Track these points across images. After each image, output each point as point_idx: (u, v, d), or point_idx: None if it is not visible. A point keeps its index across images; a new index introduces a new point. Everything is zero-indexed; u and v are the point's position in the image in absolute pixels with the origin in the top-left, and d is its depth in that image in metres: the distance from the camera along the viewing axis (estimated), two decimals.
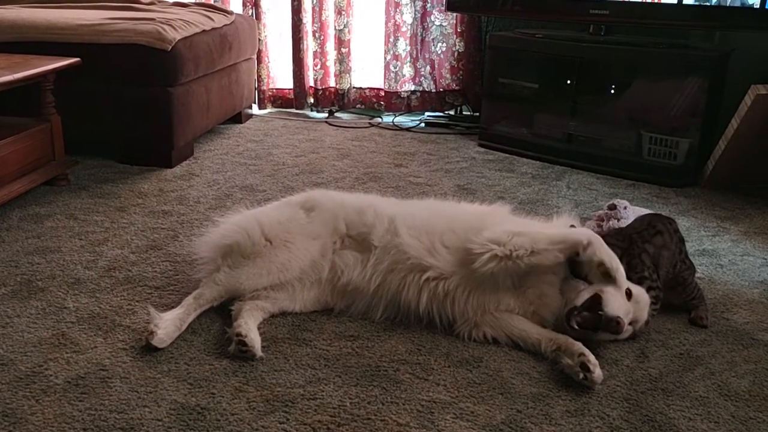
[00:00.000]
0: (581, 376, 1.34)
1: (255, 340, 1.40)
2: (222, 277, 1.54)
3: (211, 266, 1.59)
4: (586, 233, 1.46)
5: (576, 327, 1.39)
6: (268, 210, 1.71)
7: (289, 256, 1.55)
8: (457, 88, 3.53)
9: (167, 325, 1.43)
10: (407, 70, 3.54)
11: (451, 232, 1.56)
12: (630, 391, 1.34)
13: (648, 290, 1.49)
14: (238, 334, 1.40)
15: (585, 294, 1.42)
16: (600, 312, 1.39)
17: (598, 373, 1.34)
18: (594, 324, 1.39)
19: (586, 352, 1.37)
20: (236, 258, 1.55)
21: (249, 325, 1.43)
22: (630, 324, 1.45)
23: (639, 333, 1.50)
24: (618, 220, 1.99)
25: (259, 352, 1.39)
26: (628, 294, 1.43)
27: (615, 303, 1.39)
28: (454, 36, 3.45)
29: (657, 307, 1.53)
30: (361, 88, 3.66)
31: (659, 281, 1.55)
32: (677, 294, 1.63)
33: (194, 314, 1.50)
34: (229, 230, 1.61)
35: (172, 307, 1.57)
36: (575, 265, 1.48)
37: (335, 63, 3.57)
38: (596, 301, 1.40)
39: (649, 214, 1.77)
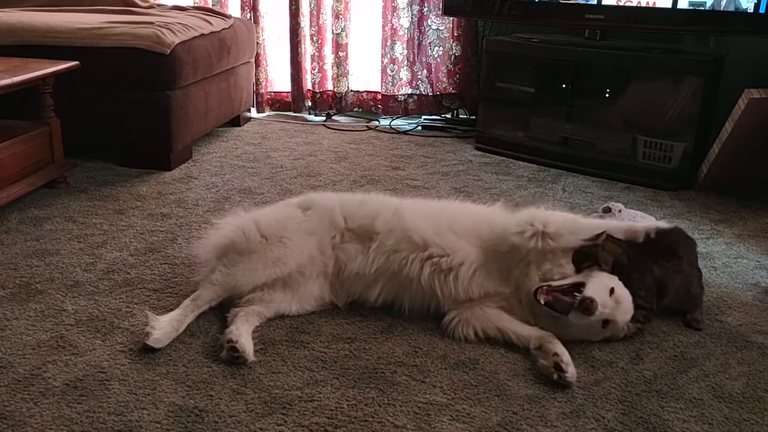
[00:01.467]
0: (555, 376, 1.35)
1: (246, 345, 1.40)
2: (218, 276, 1.54)
3: (208, 268, 1.60)
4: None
5: (541, 302, 1.42)
6: (266, 210, 1.74)
7: (285, 250, 1.56)
8: (453, 91, 3.54)
9: (164, 326, 1.44)
10: (404, 74, 3.55)
11: (458, 220, 1.59)
12: (625, 393, 1.35)
13: (636, 308, 1.49)
14: (229, 341, 1.40)
15: (568, 280, 1.45)
16: (576, 294, 1.40)
17: (571, 372, 1.35)
18: (565, 307, 1.41)
19: (561, 351, 1.39)
20: (232, 256, 1.56)
21: (240, 331, 1.43)
22: (605, 324, 1.44)
23: (617, 338, 1.50)
24: None
25: (250, 357, 1.39)
26: (611, 291, 1.44)
27: (595, 288, 1.41)
28: (451, 40, 3.46)
29: (642, 327, 1.53)
30: (358, 91, 3.68)
31: (654, 303, 1.54)
32: (683, 303, 1.64)
33: (192, 316, 1.51)
34: (225, 231, 1.62)
35: (171, 310, 1.57)
36: (582, 256, 1.50)
37: (333, 66, 3.58)
38: (577, 287, 1.42)
39: (675, 231, 1.72)
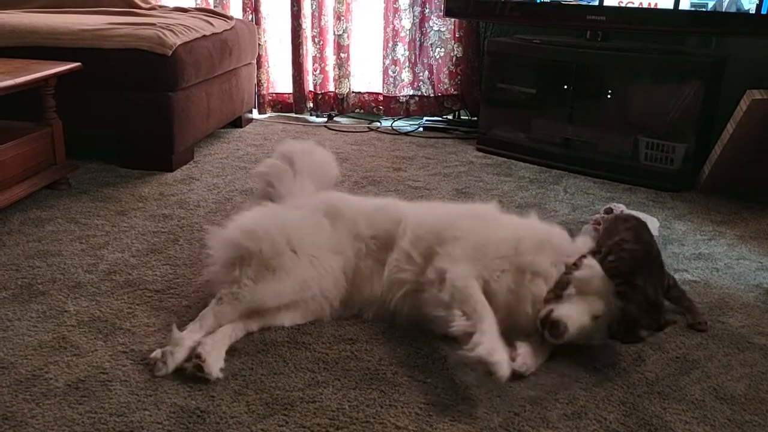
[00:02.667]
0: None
1: (213, 365, 1.33)
2: (245, 292, 1.44)
3: (222, 266, 1.50)
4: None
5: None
6: (291, 215, 1.60)
7: (313, 273, 1.50)
8: (455, 92, 3.55)
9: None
10: (406, 75, 3.55)
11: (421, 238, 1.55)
12: (627, 395, 1.35)
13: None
14: (198, 356, 1.33)
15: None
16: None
17: (519, 363, 1.38)
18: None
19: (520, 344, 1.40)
20: (258, 269, 1.46)
21: (214, 346, 1.37)
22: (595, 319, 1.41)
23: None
24: None
25: (214, 377, 1.32)
26: (595, 318, 1.40)
27: (567, 309, 1.38)
28: (453, 41, 3.46)
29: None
30: (360, 92, 3.68)
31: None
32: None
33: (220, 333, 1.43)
34: (251, 232, 1.50)
35: (172, 311, 1.58)
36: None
37: (334, 68, 3.59)
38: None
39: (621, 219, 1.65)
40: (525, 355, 1.39)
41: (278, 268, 1.47)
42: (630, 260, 1.44)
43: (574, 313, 1.38)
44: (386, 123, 3.59)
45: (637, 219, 1.64)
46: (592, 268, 1.44)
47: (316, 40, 3.55)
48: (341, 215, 1.60)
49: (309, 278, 1.50)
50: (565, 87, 2.84)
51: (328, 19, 3.52)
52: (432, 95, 3.57)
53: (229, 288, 1.46)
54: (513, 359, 1.37)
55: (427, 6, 3.46)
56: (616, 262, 1.44)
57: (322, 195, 1.73)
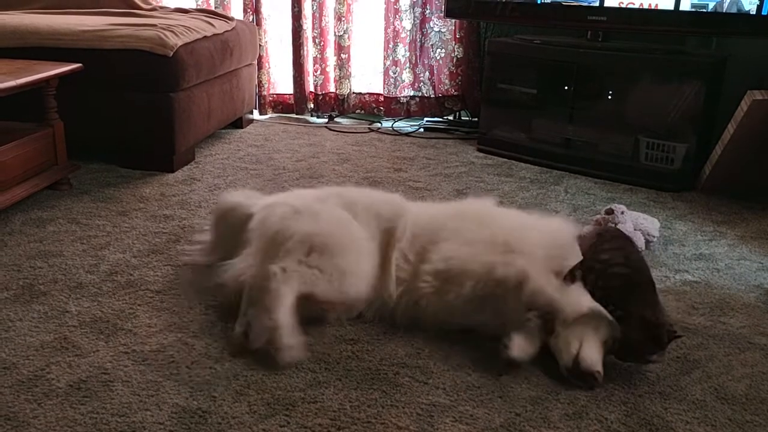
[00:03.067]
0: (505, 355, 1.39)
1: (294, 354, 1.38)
2: (317, 277, 1.46)
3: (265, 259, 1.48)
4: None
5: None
6: (321, 210, 1.59)
7: (361, 259, 1.52)
8: (456, 93, 3.55)
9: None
10: (406, 76, 3.56)
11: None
12: (628, 395, 1.35)
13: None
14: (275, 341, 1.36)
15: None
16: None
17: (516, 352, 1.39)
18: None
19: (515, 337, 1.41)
20: (326, 258, 1.47)
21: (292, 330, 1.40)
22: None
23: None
24: (615, 224, 2.01)
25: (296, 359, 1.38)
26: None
27: (590, 353, 1.37)
28: (453, 42, 3.47)
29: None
30: (360, 93, 3.68)
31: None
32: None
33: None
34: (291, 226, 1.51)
35: (174, 311, 1.58)
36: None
37: (335, 68, 3.59)
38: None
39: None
40: (520, 345, 1.39)
41: (349, 250, 1.50)
42: (621, 286, 1.40)
43: (596, 354, 1.37)
44: (387, 124, 3.59)
45: (624, 236, 1.57)
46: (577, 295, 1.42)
47: (317, 40, 3.55)
48: (356, 206, 1.62)
49: (364, 265, 1.51)
50: (566, 87, 2.84)
51: (329, 20, 3.53)
52: (433, 96, 3.57)
53: (294, 268, 1.45)
54: (508, 349, 1.38)
55: (427, 7, 3.46)
56: (606, 289, 1.39)
57: (325, 191, 1.73)
